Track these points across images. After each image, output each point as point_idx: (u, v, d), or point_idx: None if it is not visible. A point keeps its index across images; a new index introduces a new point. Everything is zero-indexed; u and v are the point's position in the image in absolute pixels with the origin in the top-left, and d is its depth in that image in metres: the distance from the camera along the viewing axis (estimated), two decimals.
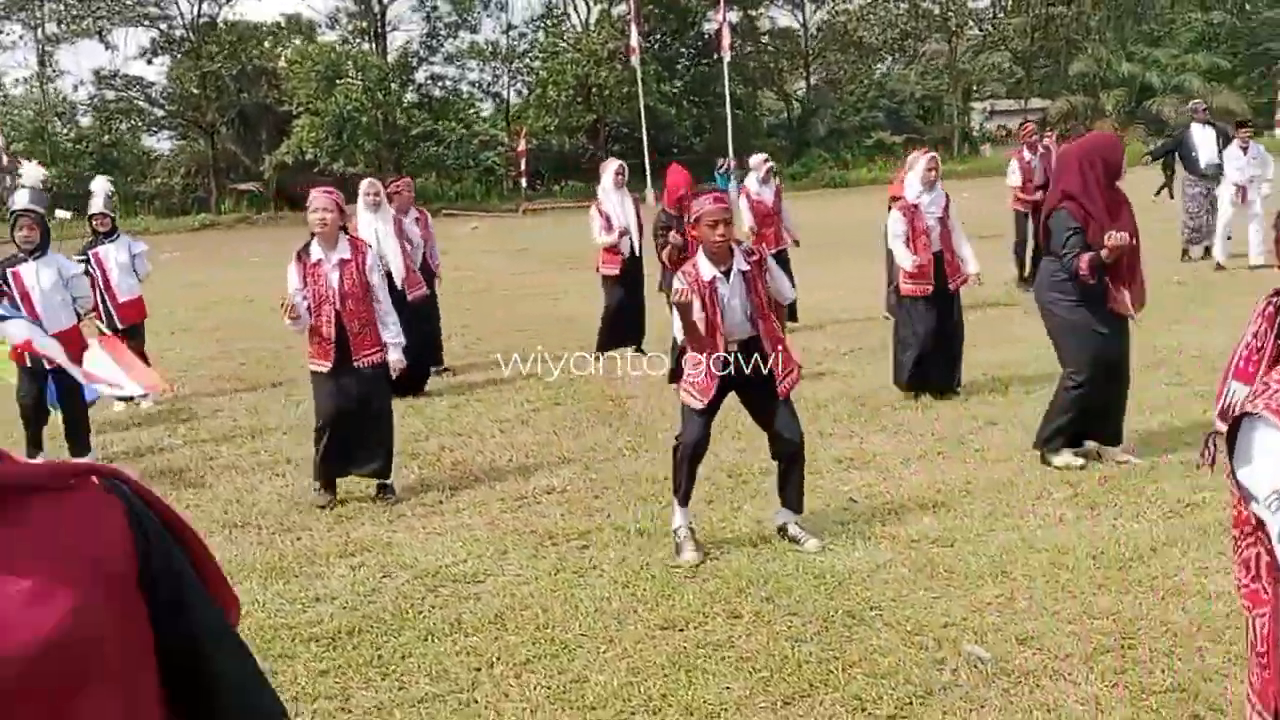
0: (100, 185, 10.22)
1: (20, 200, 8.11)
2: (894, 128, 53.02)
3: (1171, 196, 19.30)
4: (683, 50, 49.36)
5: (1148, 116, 44.12)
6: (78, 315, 8.12)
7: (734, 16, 42.75)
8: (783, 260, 11.01)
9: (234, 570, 5.76)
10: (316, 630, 5.07)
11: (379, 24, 47.69)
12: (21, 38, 46.18)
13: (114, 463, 7.45)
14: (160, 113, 48.69)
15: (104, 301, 9.66)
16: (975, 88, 53.96)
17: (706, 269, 5.55)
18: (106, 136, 46.39)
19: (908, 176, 8.71)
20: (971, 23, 51.34)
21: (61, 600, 1.27)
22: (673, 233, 9.24)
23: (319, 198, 6.65)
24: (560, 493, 6.93)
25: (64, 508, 1.33)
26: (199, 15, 46.37)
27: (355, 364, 6.66)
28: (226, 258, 26.42)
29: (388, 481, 6.97)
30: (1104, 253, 6.31)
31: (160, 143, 50.30)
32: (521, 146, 40.75)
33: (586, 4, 49.56)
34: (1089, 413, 6.69)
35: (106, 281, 9.74)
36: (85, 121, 47.65)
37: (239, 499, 7.08)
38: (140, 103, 48.28)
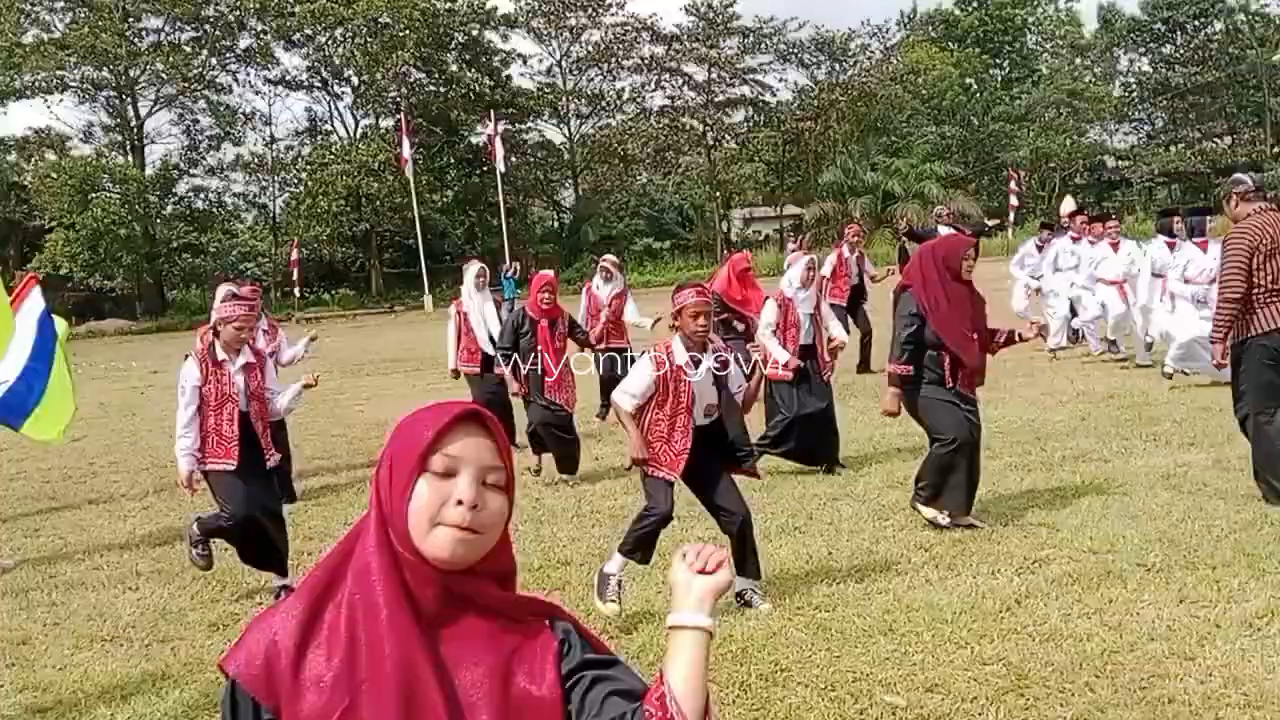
0: None
1: None
2: (657, 234, 55.10)
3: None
4: (453, 161, 49.97)
5: (892, 220, 47.26)
6: None
7: (502, 127, 43.67)
8: (623, 352, 11.65)
9: (117, 685, 5.54)
10: None
11: (136, 137, 46.35)
12: None
13: None
14: None
15: None
16: (733, 196, 56.65)
17: (680, 354, 5.89)
18: None
19: (789, 273, 9.36)
20: (728, 136, 53.98)
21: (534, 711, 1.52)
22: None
23: (239, 310, 6.60)
24: None
25: (521, 637, 1.57)
26: None
27: (266, 463, 6.61)
28: None
29: (287, 581, 6.79)
30: (888, 399, 7.23)
31: None
32: (294, 256, 40.18)
33: (354, 116, 49.68)
34: (954, 478, 7.20)
35: None
36: None
37: (100, 614, 6.75)
38: None
